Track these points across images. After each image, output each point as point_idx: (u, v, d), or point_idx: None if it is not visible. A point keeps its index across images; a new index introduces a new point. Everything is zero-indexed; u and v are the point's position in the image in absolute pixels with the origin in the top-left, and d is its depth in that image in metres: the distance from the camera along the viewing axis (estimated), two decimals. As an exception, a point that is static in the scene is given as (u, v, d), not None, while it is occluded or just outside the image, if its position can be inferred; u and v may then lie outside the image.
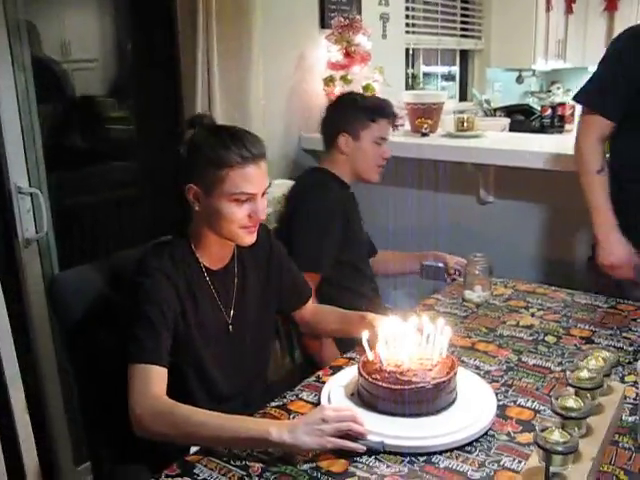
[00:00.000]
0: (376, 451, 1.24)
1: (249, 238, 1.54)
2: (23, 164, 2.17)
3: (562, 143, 2.61)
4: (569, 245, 2.66)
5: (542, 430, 1.06)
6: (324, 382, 1.50)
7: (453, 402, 1.35)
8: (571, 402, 1.13)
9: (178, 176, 1.53)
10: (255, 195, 1.49)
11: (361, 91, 3.00)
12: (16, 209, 2.16)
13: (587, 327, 1.80)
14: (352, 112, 2.28)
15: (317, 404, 1.41)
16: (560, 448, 1.03)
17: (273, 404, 1.45)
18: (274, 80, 2.92)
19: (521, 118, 4.73)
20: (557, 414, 1.12)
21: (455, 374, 1.35)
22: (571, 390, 1.18)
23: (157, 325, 1.42)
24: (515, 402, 1.41)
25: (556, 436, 1.04)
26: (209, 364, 1.56)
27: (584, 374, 1.21)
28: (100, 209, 2.63)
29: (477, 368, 1.57)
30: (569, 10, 5.40)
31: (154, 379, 1.37)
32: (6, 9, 2.06)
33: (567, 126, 4.74)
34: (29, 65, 2.20)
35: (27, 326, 2.22)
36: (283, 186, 2.45)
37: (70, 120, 2.57)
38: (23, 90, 2.16)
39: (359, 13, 3.35)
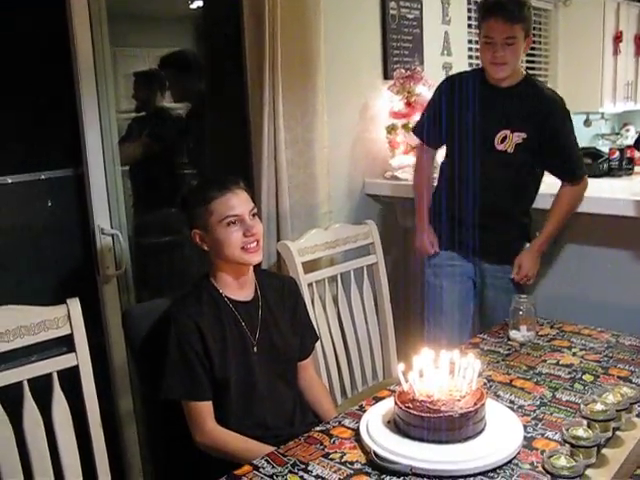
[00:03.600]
0: (404, 473, 1.35)
1: (253, 257, 1.77)
2: (106, 208, 2.40)
3: (618, 188, 2.62)
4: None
5: (550, 456, 1.15)
6: (366, 410, 1.62)
7: (481, 432, 1.44)
8: (581, 432, 1.21)
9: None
10: (241, 216, 1.75)
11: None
12: (99, 248, 2.38)
13: (627, 367, 1.85)
14: None
15: (357, 430, 1.54)
16: (565, 473, 1.12)
17: (317, 428, 1.59)
18: (338, 128, 3.07)
19: (589, 161, 4.71)
20: (566, 442, 1.21)
21: (483, 405, 1.45)
22: (584, 421, 1.27)
23: (194, 364, 1.69)
24: (543, 435, 1.48)
25: (562, 462, 1.14)
26: (241, 386, 1.76)
27: (598, 407, 1.29)
28: (174, 248, 2.87)
29: (511, 402, 1.66)
30: (639, 52, 5.41)
31: (204, 413, 1.70)
32: (98, 84, 2.34)
33: (637, 168, 4.70)
34: (114, 119, 2.44)
35: (106, 355, 2.44)
36: (343, 229, 2.60)
37: (149, 168, 2.82)
38: (108, 145, 2.38)
39: (421, 63, 3.51)
